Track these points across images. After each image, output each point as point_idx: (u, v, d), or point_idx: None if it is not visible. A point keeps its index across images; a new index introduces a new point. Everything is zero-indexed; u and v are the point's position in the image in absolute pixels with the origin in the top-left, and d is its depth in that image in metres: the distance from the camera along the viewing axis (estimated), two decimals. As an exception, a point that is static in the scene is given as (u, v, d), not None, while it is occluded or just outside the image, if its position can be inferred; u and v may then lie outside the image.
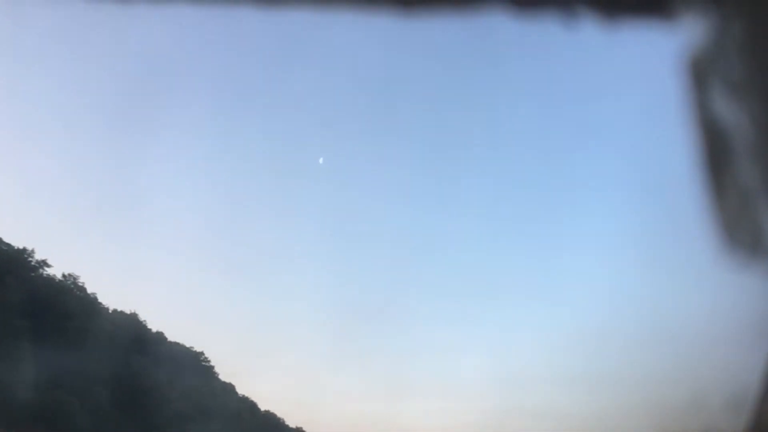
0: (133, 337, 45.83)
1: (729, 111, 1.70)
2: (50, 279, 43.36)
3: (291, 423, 60.57)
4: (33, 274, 42.07)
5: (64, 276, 44.51)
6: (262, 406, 59.13)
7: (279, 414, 60.15)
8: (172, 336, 52.84)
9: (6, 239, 41.36)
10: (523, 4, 1.78)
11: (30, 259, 42.33)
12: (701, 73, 1.75)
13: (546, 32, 1.83)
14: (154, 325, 51.33)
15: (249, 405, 58.05)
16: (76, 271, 45.03)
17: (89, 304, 44.81)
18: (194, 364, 54.43)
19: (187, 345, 54.72)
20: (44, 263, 42.91)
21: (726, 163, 1.71)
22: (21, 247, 41.76)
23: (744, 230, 1.66)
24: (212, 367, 57.21)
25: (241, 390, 58.30)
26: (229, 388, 57.10)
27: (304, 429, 60.99)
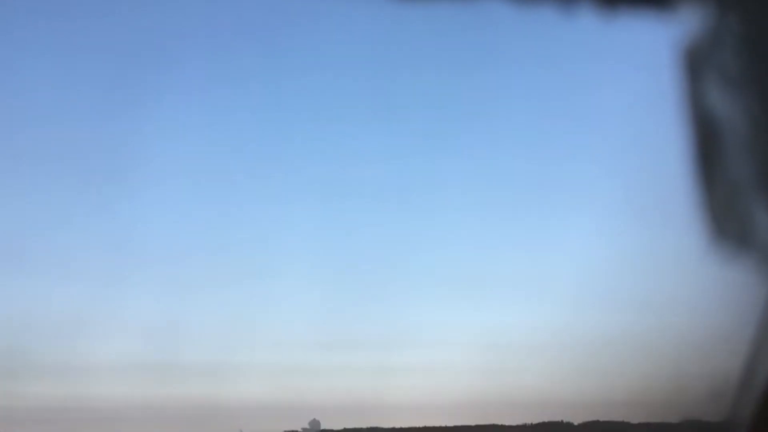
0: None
1: (723, 103, 1.70)
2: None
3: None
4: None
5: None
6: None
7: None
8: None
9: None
10: None
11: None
12: (696, 64, 1.75)
13: (542, 20, 1.83)
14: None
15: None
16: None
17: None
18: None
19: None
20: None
21: (718, 155, 1.71)
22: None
23: (733, 223, 1.67)
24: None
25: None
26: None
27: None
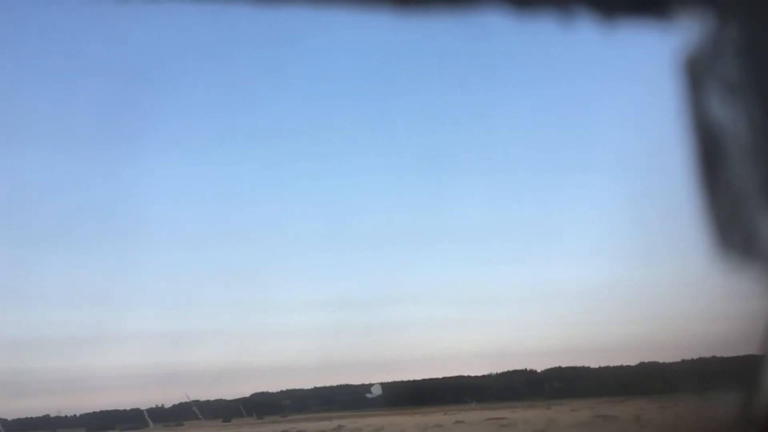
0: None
1: (725, 112, 1.72)
2: None
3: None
4: None
5: None
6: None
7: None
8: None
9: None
10: (521, 2, 1.76)
11: None
12: (697, 74, 1.76)
13: (542, 31, 1.82)
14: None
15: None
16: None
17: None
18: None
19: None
20: None
21: (721, 164, 1.74)
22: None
23: (737, 232, 1.70)
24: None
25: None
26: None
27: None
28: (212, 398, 55.22)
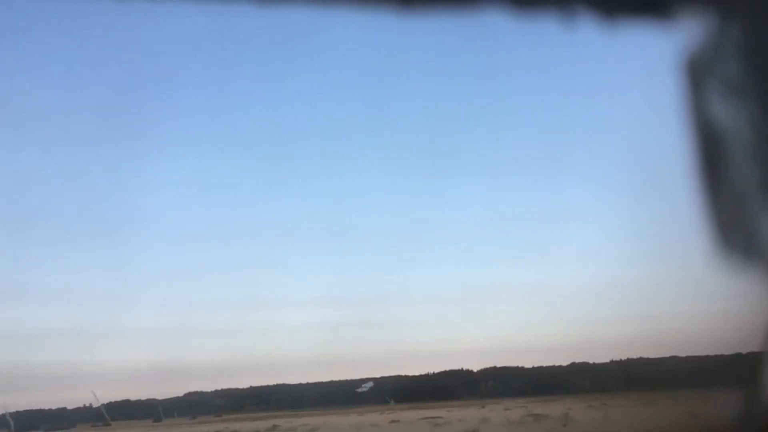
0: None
1: (726, 113, 1.72)
2: None
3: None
4: None
5: None
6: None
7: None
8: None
9: None
10: (522, 2, 1.75)
11: None
12: (699, 74, 1.76)
13: (544, 31, 1.81)
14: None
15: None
16: None
17: None
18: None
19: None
20: None
21: (722, 165, 1.74)
22: None
23: (739, 233, 1.71)
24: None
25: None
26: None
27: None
28: (144, 398, 54.01)
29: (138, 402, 53.11)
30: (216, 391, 56.04)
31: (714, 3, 1.75)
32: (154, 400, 53.50)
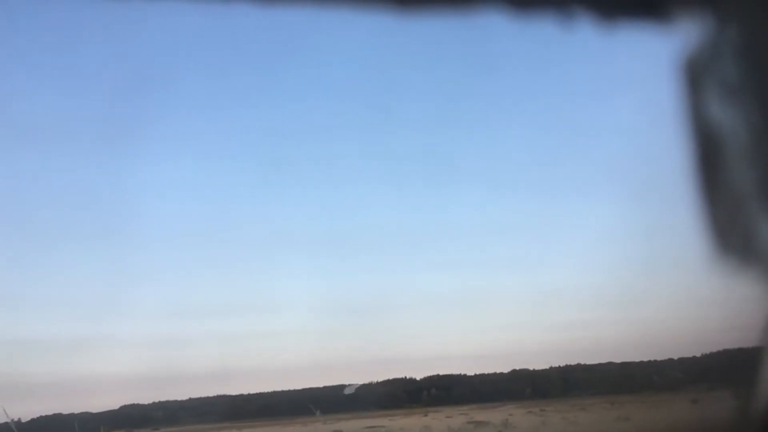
0: None
1: (724, 114, 1.73)
2: None
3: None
4: None
5: None
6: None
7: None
8: None
9: None
10: (519, 3, 1.74)
11: None
12: (697, 76, 1.77)
13: (542, 33, 1.80)
14: None
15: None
16: None
17: None
18: None
19: None
20: None
21: (720, 166, 1.75)
22: None
23: (736, 235, 1.71)
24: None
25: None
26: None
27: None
28: (77, 411, 52.21)
29: (71, 415, 51.34)
30: (153, 403, 54.56)
31: (712, 5, 1.76)
32: (88, 413, 51.77)
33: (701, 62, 1.76)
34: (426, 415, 42.35)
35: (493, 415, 38.47)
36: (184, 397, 55.15)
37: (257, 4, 1.70)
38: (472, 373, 56.21)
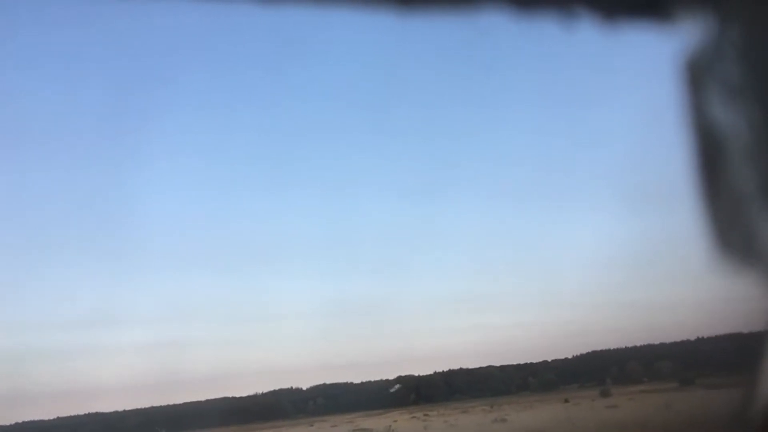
0: None
1: (726, 115, 1.74)
2: None
3: None
4: None
5: None
6: None
7: None
8: None
9: None
10: (521, 4, 1.69)
11: None
12: (698, 76, 1.77)
13: (544, 33, 1.77)
14: None
15: None
16: None
17: None
18: None
19: None
20: None
21: (721, 166, 1.75)
22: None
23: (738, 235, 1.72)
24: None
25: None
26: None
27: None
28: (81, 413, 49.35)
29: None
30: (88, 414, 51.74)
31: (714, 5, 1.76)
32: (18, 424, 48.54)
33: (703, 62, 1.75)
34: (312, 425, 42.11)
35: (378, 421, 38.94)
36: (185, 401, 52.49)
37: (258, 4, 1.64)
38: (359, 381, 56.38)
